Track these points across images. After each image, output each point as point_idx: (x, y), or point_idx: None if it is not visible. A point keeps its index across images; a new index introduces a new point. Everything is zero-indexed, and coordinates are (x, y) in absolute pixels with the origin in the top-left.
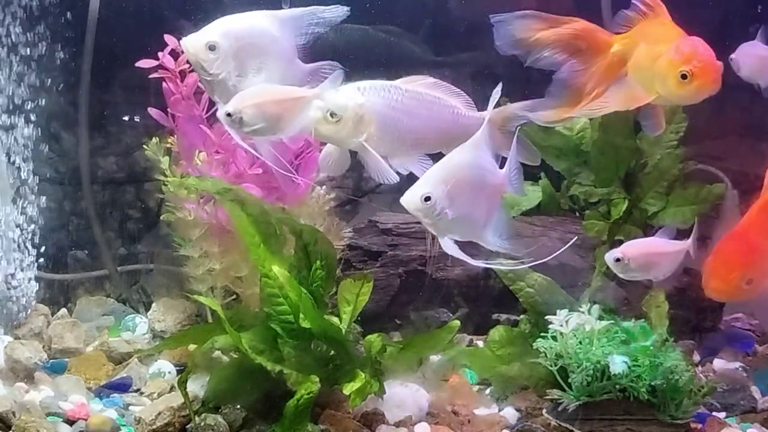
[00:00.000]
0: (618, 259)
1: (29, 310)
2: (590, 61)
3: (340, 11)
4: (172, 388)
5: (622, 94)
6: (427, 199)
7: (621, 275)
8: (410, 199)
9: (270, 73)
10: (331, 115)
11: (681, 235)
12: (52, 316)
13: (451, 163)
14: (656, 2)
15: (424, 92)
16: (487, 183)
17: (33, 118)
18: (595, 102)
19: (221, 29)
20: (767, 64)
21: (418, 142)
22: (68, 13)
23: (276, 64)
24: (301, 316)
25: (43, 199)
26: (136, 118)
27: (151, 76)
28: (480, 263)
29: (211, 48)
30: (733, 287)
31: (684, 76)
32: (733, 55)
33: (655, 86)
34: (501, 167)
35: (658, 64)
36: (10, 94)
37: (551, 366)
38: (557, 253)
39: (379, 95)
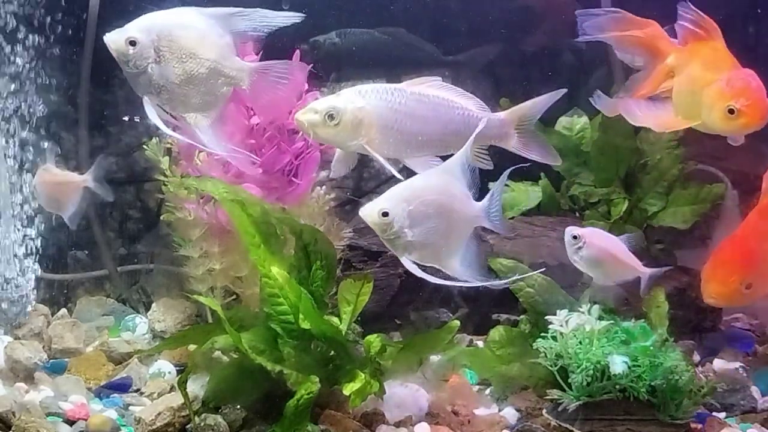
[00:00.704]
0: (575, 237)
1: (28, 308)
2: (650, 66)
3: (290, 17)
4: (172, 388)
5: (661, 116)
6: (385, 214)
7: (568, 253)
8: (369, 211)
9: (196, 69)
10: (330, 117)
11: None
12: (52, 316)
13: (418, 184)
14: (712, 25)
15: (431, 94)
16: (456, 211)
17: (33, 118)
18: (634, 113)
19: (142, 25)
20: None
21: (425, 144)
22: (68, 13)
23: (203, 60)
24: (301, 317)
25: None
26: (136, 118)
27: None
28: (439, 281)
29: (132, 43)
30: (732, 291)
31: (731, 111)
32: None
33: (699, 113)
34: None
35: (707, 92)
36: (10, 94)
37: (551, 366)
38: (511, 280)
39: (381, 98)
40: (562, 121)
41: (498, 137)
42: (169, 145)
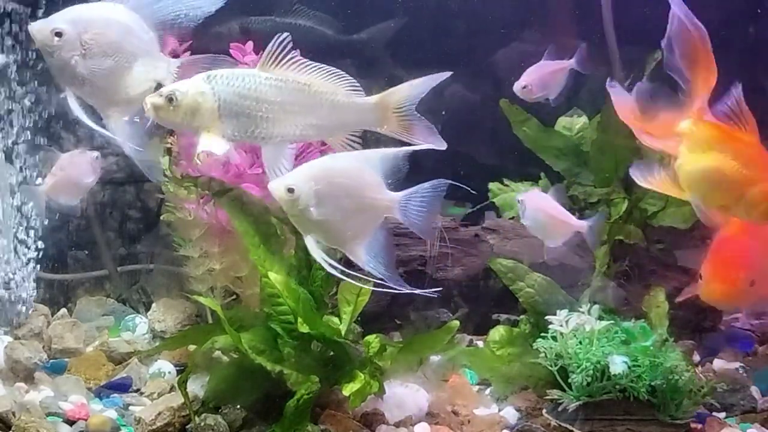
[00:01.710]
0: (519, 201)
1: (29, 307)
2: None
3: (212, 3)
4: (172, 388)
5: (671, 181)
6: (291, 191)
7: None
8: (276, 186)
9: (121, 64)
10: (170, 101)
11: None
12: (52, 316)
13: (328, 164)
14: (750, 117)
15: (291, 79)
16: (366, 197)
17: (32, 117)
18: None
19: (68, 17)
20: (554, 77)
21: (282, 131)
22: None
23: (128, 55)
24: (300, 320)
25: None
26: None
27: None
28: (336, 273)
29: (57, 34)
30: (736, 289)
31: None
32: (524, 83)
33: (726, 201)
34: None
35: (751, 193)
36: (9, 93)
37: (551, 366)
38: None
39: (227, 83)
40: (562, 121)
41: (373, 122)
42: (169, 145)
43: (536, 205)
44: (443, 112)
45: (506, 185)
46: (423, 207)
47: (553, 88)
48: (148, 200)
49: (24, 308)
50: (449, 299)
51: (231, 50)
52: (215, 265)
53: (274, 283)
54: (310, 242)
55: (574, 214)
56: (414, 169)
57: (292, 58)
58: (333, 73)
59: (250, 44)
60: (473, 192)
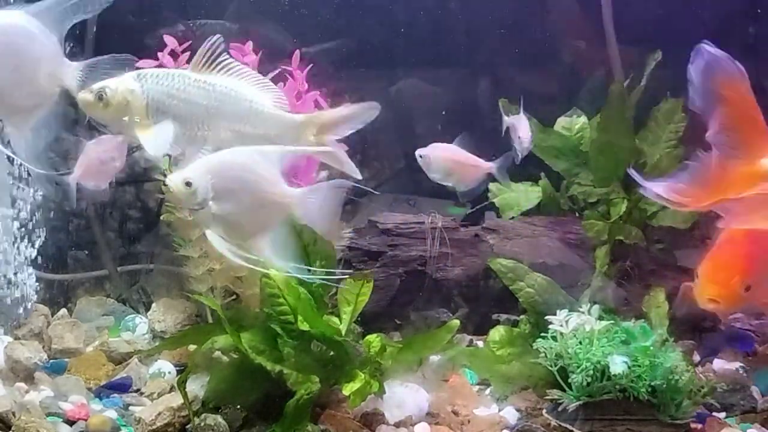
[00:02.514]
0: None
1: (29, 306)
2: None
3: None
4: (172, 388)
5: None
6: (189, 184)
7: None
8: (173, 179)
9: (30, 73)
10: (99, 97)
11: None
12: (52, 316)
13: (226, 158)
14: None
15: (218, 83)
16: (264, 192)
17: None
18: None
19: None
20: (462, 170)
21: (205, 135)
22: None
23: (34, 61)
24: (300, 318)
25: (43, 199)
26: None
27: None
28: (240, 261)
29: None
30: (733, 293)
31: None
32: (421, 153)
33: None
34: None
35: None
36: None
37: (551, 366)
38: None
39: (157, 82)
40: (561, 121)
41: (294, 139)
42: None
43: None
44: (443, 112)
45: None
46: (322, 205)
47: (462, 181)
48: (148, 200)
49: (24, 308)
50: (449, 299)
51: (230, 50)
52: (215, 265)
53: (274, 282)
54: (212, 236)
55: (574, 214)
56: (413, 169)
57: (223, 61)
58: (261, 81)
59: (249, 44)
60: (375, 192)
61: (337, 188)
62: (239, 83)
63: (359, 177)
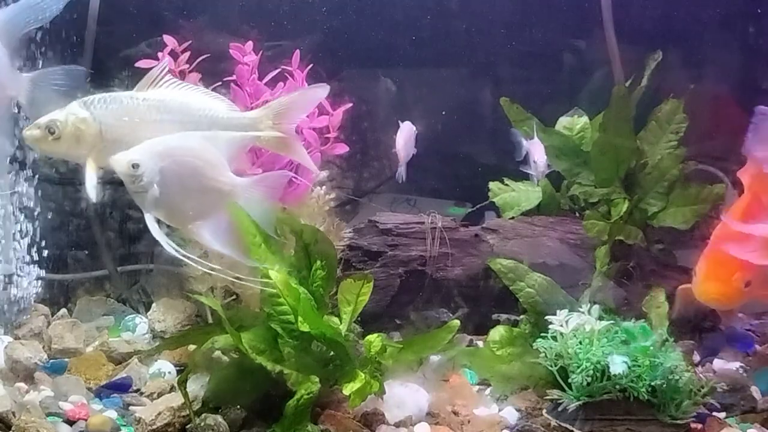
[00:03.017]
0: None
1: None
2: None
3: (59, 2)
4: (172, 388)
5: None
6: (135, 166)
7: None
8: (120, 160)
9: None
10: (50, 132)
11: None
12: (52, 316)
13: (174, 143)
14: None
15: (168, 98)
16: (209, 178)
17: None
18: None
19: None
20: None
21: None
22: (68, 12)
23: None
24: (300, 319)
25: (43, 199)
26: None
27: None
28: (173, 250)
29: None
30: (734, 290)
31: None
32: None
33: None
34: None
35: None
36: None
37: (551, 366)
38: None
39: (108, 108)
40: (563, 121)
41: (252, 137)
42: None
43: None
44: (443, 112)
45: (506, 185)
46: (264, 196)
47: None
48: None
49: (24, 308)
50: (449, 299)
51: (231, 50)
52: (215, 265)
53: (274, 282)
54: (150, 220)
55: (574, 214)
56: (414, 170)
57: (170, 79)
58: (208, 93)
59: (249, 44)
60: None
61: (280, 178)
62: (188, 94)
63: (316, 171)
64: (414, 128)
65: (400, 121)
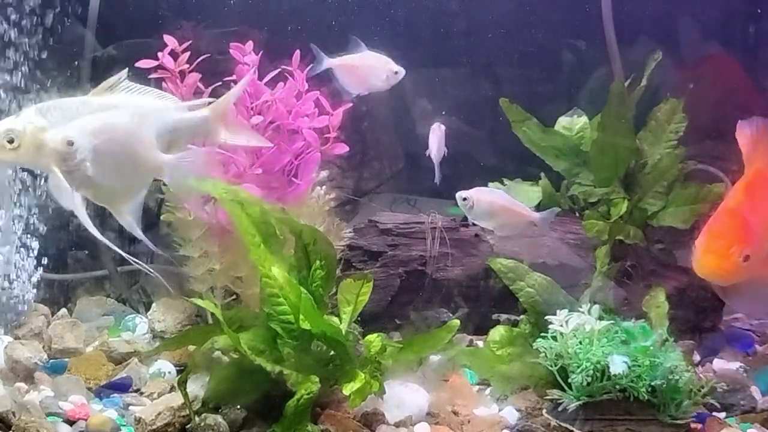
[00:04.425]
0: (465, 199)
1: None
2: None
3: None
4: (172, 388)
5: None
6: (71, 143)
7: (467, 215)
8: (54, 137)
9: None
10: (9, 141)
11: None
12: (52, 316)
13: (109, 120)
14: None
15: (122, 102)
16: (140, 156)
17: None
18: None
19: None
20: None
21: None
22: (68, 12)
23: None
24: (301, 317)
25: (43, 198)
26: None
27: (150, 76)
28: (97, 234)
29: None
30: (731, 263)
31: None
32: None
33: None
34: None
35: None
36: (8, 92)
37: (551, 366)
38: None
39: (64, 115)
40: (562, 121)
41: (206, 133)
42: None
43: (488, 199)
44: (443, 113)
45: (506, 185)
46: (190, 172)
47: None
48: (148, 200)
49: (23, 308)
50: (449, 299)
51: (231, 50)
52: (215, 265)
53: (276, 278)
54: (78, 200)
55: (574, 214)
56: (413, 170)
57: (123, 84)
58: (161, 95)
59: (250, 44)
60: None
61: (207, 154)
62: (142, 98)
63: (269, 144)
64: (443, 128)
65: (431, 124)
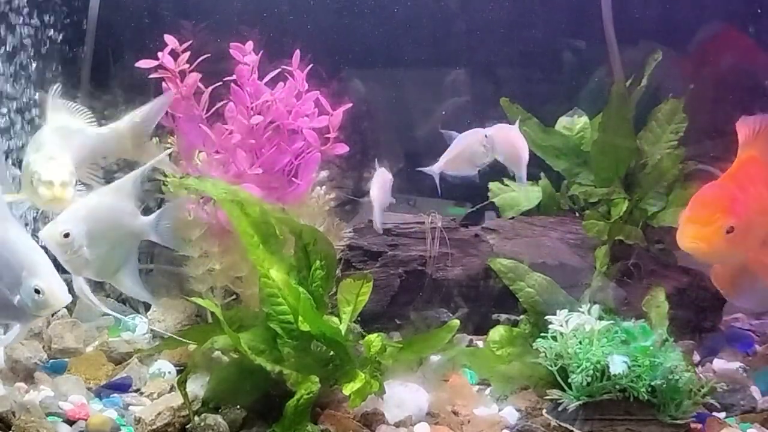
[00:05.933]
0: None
1: None
2: None
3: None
4: (172, 388)
5: None
6: (67, 235)
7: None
8: (50, 233)
9: None
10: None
11: None
12: (52, 316)
13: (93, 203)
14: None
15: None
16: (125, 226)
17: (33, 116)
18: None
19: None
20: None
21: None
22: (68, 12)
23: None
24: (300, 319)
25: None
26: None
27: (151, 76)
28: (105, 309)
29: None
30: (712, 231)
31: None
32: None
33: None
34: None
35: None
36: (9, 92)
37: (551, 366)
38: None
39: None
40: (563, 121)
41: (120, 150)
42: (169, 146)
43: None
44: (443, 113)
45: (506, 185)
46: (171, 224)
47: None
48: (148, 200)
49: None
50: (449, 299)
51: (231, 50)
52: (215, 265)
53: (273, 281)
54: (80, 283)
55: (574, 214)
56: (414, 169)
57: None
58: (78, 109)
59: (250, 44)
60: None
61: (180, 206)
62: (65, 117)
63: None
64: (390, 176)
65: (375, 168)
